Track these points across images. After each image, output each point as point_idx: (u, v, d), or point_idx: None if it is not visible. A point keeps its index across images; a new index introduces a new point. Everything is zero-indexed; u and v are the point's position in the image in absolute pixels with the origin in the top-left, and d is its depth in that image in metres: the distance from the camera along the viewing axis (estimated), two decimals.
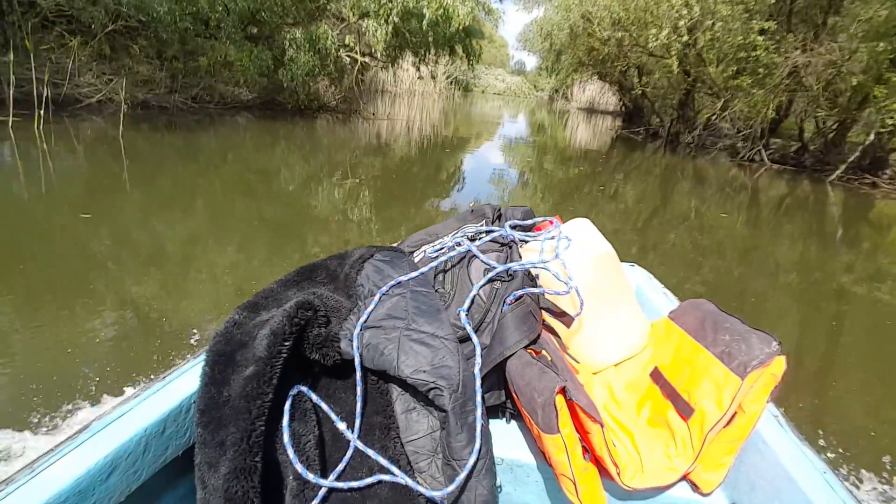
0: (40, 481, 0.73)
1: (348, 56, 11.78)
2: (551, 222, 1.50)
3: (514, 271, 1.23)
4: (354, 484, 0.92)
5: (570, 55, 21.61)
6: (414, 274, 1.21)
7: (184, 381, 0.97)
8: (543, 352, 1.07)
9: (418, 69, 15.83)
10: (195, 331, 2.58)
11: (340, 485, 0.91)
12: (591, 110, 30.05)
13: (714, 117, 13.78)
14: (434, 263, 1.29)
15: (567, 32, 20.24)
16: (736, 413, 1.02)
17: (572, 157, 11.90)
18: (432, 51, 14.00)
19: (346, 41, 11.39)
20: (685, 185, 9.36)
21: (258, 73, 10.65)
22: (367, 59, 12.13)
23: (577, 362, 1.25)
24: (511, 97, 44.22)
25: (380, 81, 20.32)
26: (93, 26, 8.88)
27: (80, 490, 0.75)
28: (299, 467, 0.88)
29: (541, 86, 46.54)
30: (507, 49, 58.24)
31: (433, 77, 22.47)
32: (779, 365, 1.01)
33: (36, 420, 1.86)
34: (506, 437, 1.12)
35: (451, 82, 27.88)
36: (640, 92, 16.86)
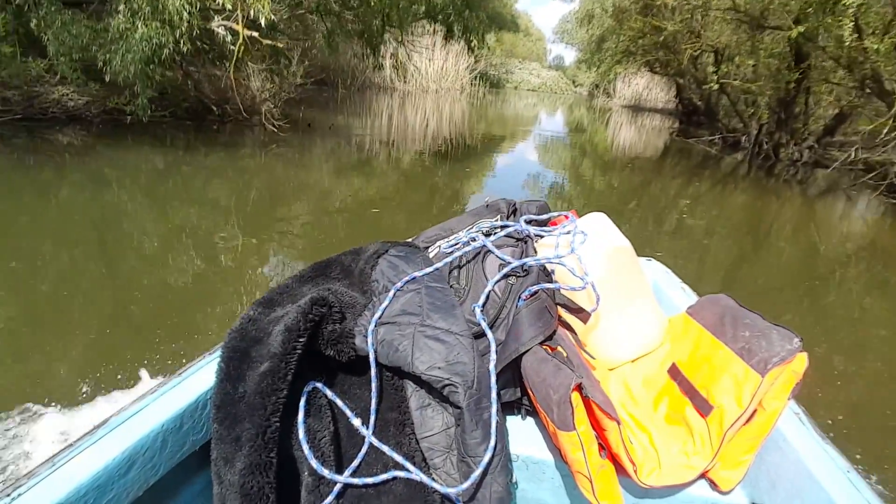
0: (60, 476, 0.74)
1: (224, 27, 6.78)
2: (567, 217, 1.48)
3: (530, 266, 1.22)
4: (369, 480, 0.92)
5: (615, 42, 18.09)
6: (428, 269, 1.21)
7: (200, 377, 0.98)
8: (559, 348, 1.06)
9: (371, 53, 11.86)
10: None
11: (355, 480, 0.91)
12: (636, 108, 25.95)
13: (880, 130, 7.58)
14: (449, 259, 1.28)
15: (611, 13, 16.93)
16: (756, 410, 1.00)
17: (616, 166, 9.50)
18: (395, 22, 9.80)
19: (222, 2, 6.37)
20: (800, 232, 5.82)
21: (67, 63, 6.10)
22: (255, 34, 6.96)
23: (594, 358, 1.24)
24: (547, 93, 38.36)
25: (382, 78, 18.03)
26: None
27: (99, 485, 0.76)
28: (314, 463, 0.89)
29: (580, 81, 41.21)
30: (545, 43, 53.28)
31: (403, 69, 18.65)
32: (800, 362, 0.99)
33: None
34: (521, 434, 1.11)
35: (477, 78, 23.62)
36: (715, 86, 11.53)
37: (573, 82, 43.33)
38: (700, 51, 12.94)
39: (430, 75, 20.06)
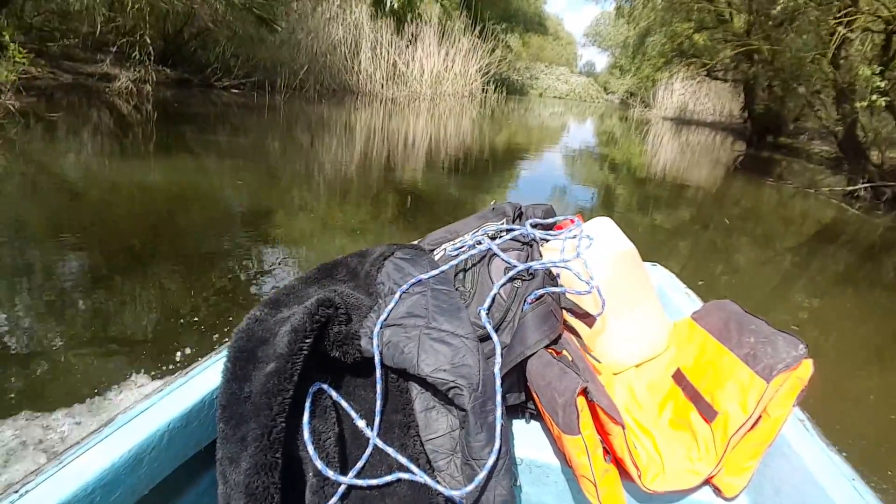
0: (67, 474, 0.74)
1: None
2: (573, 221, 1.49)
3: (535, 270, 1.22)
4: (373, 482, 0.92)
5: (664, 36, 14.36)
6: (434, 272, 1.21)
7: (206, 377, 0.98)
8: (564, 352, 1.06)
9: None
10: None
11: (360, 482, 0.91)
12: (681, 121, 21.06)
13: None
14: (454, 262, 1.29)
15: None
16: (761, 417, 1.00)
17: (668, 203, 6.64)
18: None
19: None
20: None
21: None
22: None
23: (599, 362, 1.24)
24: (575, 101, 34.17)
25: (357, 82, 13.97)
26: None
27: (106, 483, 0.76)
28: (319, 464, 0.89)
29: (612, 88, 37.64)
30: (575, 47, 48.99)
31: (391, 70, 14.55)
32: (806, 368, 0.99)
33: None
34: (526, 438, 1.11)
35: (491, 82, 19.49)
36: (882, 101, 6.64)
37: (605, 89, 39.46)
38: (864, 30, 7.53)
39: (424, 78, 15.93)
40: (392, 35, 14.04)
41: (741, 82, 14.36)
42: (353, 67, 13.96)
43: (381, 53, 14.25)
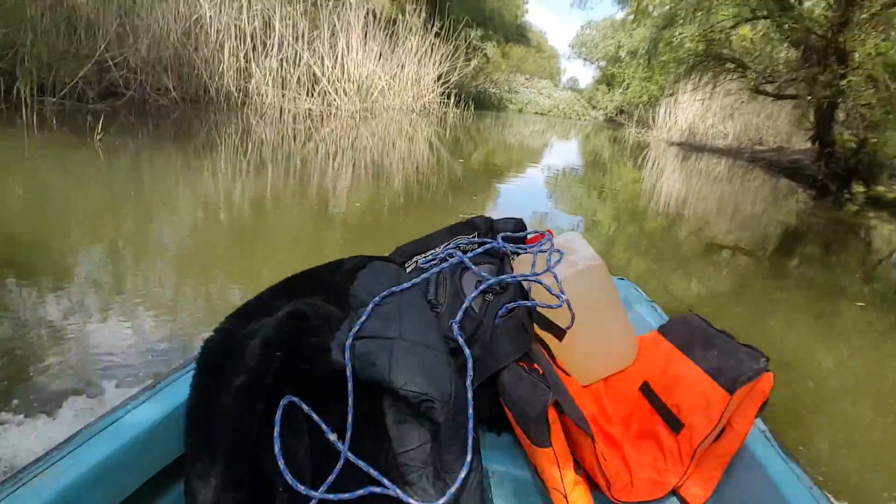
0: (25, 493, 0.71)
1: None
2: (543, 235, 1.51)
3: (507, 283, 1.23)
4: (345, 496, 0.91)
5: (696, 29, 9.97)
6: (406, 285, 1.21)
7: (174, 390, 0.96)
8: (535, 365, 1.07)
9: None
10: None
11: (331, 496, 0.90)
12: (691, 147, 15.84)
13: None
14: (426, 275, 1.29)
15: None
16: (725, 428, 1.03)
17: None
18: None
19: None
20: None
21: None
22: None
23: (568, 375, 1.25)
24: (559, 118, 29.66)
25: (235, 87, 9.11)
26: None
27: (68, 500, 0.74)
28: (289, 478, 0.88)
29: (600, 104, 31.91)
30: (559, 61, 44.17)
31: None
32: (767, 381, 1.02)
33: None
34: (497, 451, 1.12)
35: (452, 95, 15.19)
36: None
37: (591, 105, 34.26)
38: None
39: (346, 84, 11.19)
40: (300, 20, 9.72)
41: (813, 101, 8.91)
42: (219, 64, 8.92)
43: (277, 48, 9.62)
